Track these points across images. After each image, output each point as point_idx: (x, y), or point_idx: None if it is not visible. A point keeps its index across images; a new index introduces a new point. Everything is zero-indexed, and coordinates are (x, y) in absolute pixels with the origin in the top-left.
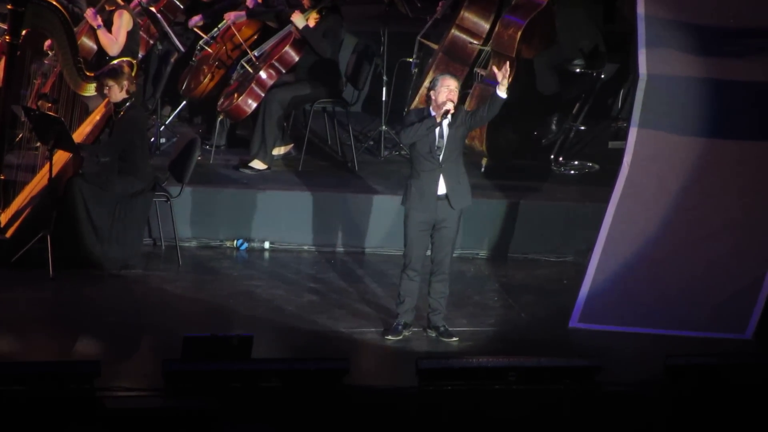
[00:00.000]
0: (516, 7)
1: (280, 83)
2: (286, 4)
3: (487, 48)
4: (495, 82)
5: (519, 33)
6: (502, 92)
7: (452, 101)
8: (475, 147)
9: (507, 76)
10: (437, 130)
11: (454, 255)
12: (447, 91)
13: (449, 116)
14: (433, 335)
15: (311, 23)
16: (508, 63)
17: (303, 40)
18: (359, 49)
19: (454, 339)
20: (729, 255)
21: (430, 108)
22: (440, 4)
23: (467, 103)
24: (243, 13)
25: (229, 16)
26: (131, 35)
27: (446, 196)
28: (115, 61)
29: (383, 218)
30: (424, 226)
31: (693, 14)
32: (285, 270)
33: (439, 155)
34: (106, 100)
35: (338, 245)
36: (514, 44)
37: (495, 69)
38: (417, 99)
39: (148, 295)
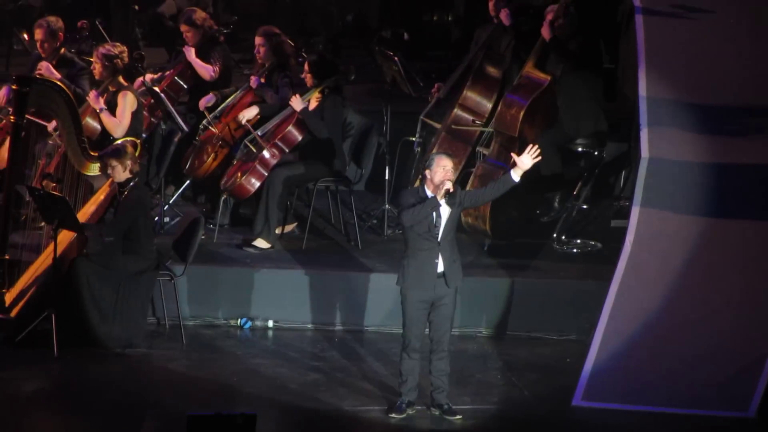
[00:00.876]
0: (518, 86)
1: (283, 162)
2: (290, 85)
3: (489, 128)
4: (499, 163)
5: (522, 113)
6: (516, 176)
7: (450, 180)
8: (478, 227)
9: (533, 161)
10: None
11: (457, 333)
12: (443, 171)
13: (448, 195)
14: (437, 413)
15: (313, 103)
16: (537, 148)
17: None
18: (362, 128)
19: (458, 417)
20: (732, 333)
21: (425, 187)
22: (436, 86)
23: (470, 182)
24: (254, 108)
25: (243, 115)
26: (135, 115)
27: (444, 274)
28: (118, 141)
29: (386, 296)
30: (423, 305)
31: (694, 94)
32: (288, 348)
33: (437, 234)
34: (111, 179)
35: (341, 324)
36: (517, 124)
37: (514, 155)
38: (420, 178)
39: (152, 374)
